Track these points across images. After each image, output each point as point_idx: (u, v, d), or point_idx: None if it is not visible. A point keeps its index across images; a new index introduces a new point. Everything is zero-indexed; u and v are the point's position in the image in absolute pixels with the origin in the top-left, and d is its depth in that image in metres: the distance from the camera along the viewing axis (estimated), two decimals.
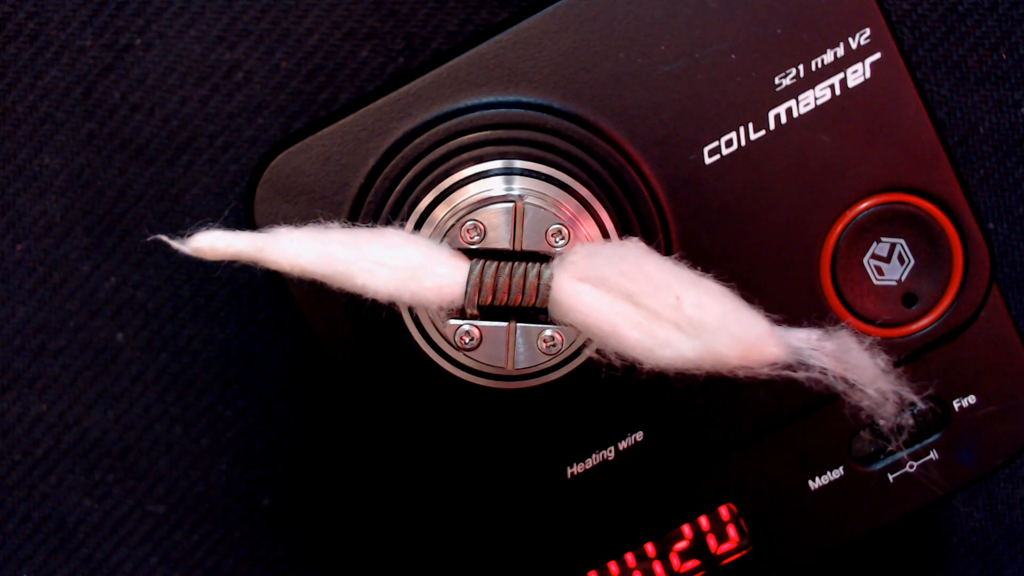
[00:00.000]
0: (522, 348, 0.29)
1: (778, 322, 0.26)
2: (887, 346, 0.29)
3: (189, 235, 0.27)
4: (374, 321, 0.31)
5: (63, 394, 0.39)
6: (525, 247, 0.29)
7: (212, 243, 0.26)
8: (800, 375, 0.25)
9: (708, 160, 0.31)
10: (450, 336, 0.29)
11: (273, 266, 0.27)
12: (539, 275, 0.28)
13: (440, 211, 0.31)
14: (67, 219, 0.39)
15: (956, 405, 0.33)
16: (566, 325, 0.29)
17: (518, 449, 0.33)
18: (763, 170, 0.32)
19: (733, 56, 0.31)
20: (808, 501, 0.34)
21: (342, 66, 0.39)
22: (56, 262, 0.39)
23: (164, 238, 0.27)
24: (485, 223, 0.29)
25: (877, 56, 0.31)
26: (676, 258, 0.29)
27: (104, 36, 0.38)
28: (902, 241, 0.32)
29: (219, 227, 0.27)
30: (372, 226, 0.29)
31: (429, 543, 0.34)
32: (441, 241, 0.29)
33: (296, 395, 0.40)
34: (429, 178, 0.31)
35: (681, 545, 0.34)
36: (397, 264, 0.27)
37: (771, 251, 0.32)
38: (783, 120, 0.31)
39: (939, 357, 0.33)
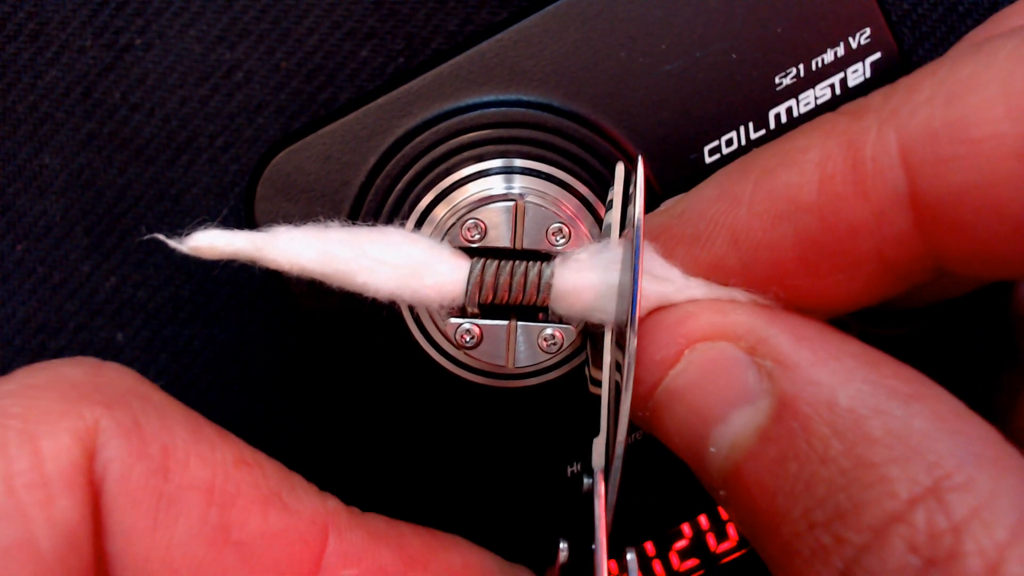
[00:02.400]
0: (523, 347, 0.29)
1: None
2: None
3: (187, 234, 0.26)
4: (375, 320, 0.31)
5: None
6: (526, 245, 0.29)
7: (211, 242, 0.26)
8: None
9: (709, 159, 0.31)
10: (451, 334, 0.29)
11: (272, 265, 0.27)
12: (540, 274, 0.28)
13: (441, 210, 0.31)
14: (67, 219, 0.39)
15: None
16: (567, 323, 0.29)
17: (518, 447, 0.33)
18: None
19: (734, 55, 0.31)
20: None
21: (342, 66, 0.39)
22: (56, 262, 0.39)
23: (161, 237, 0.27)
24: (486, 221, 0.29)
25: (877, 56, 0.31)
26: None
27: (104, 36, 0.38)
28: None
29: (217, 226, 0.27)
30: (373, 225, 0.29)
31: None
32: (442, 240, 0.29)
33: (296, 395, 0.40)
34: (430, 176, 0.31)
35: (681, 544, 0.34)
36: (398, 262, 0.27)
37: None
38: (783, 120, 0.32)
39: None
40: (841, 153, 0.24)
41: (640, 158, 0.27)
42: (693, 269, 0.26)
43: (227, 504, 0.26)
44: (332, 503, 0.28)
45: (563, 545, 0.29)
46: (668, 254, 0.27)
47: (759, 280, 0.25)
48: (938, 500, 0.21)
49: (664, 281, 0.26)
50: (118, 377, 0.27)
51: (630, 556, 0.28)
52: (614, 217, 0.28)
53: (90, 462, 0.25)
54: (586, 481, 0.27)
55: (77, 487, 0.24)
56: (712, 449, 0.24)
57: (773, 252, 0.25)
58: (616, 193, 0.28)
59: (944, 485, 0.21)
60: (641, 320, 0.26)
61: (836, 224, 0.24)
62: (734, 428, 0.24)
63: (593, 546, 0.26)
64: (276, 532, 0.26)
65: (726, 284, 0.26)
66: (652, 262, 0.27)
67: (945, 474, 0.21)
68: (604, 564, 0.26)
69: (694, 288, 0.26)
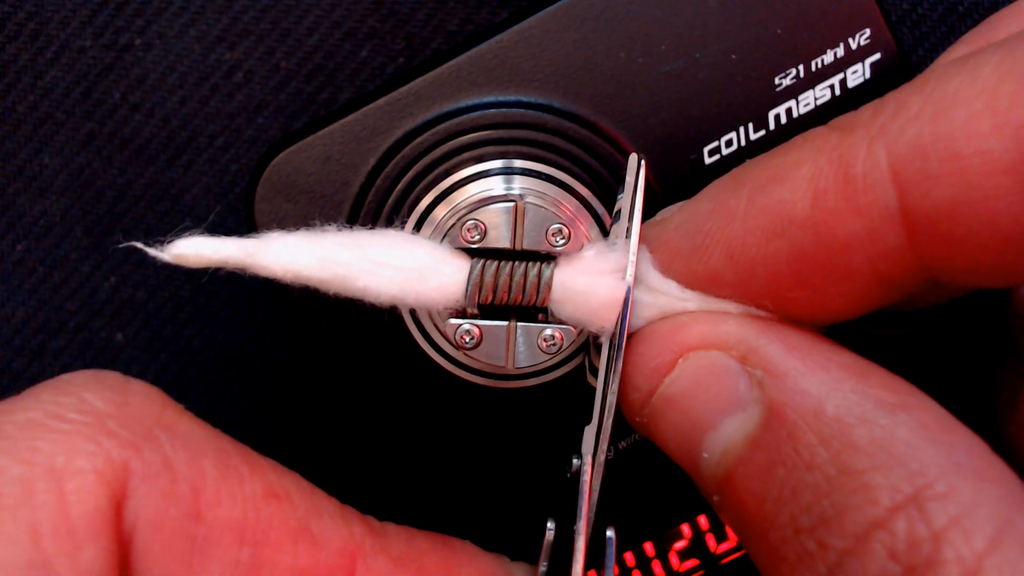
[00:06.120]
0: (522, 347, 0.29)
1: None
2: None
3: (169, 241, 0.25)
4: (375, 320, 0.31)
5: None
6: (526, 246, 0.29)
7: (197, 249, 0.25)
8: None
9: (708, 160, 0.31)
10: (450, 335, 0.29)
11: (265, 272, 0.26)
12: (539, 274, 0.28)
13: (440, 210, 0.31)
14: (67, 219, 0.39)
15: None
16: (567, 324, 0.29)
17: (518, 448, 0.33)
18: None
19: (733, 56, 0.31)
20: None
21: (342, 66, 0.39)
22: (56, 262, 0.39)
23: (139, 245, 0.25)
24: (486, 222, 0.29)
25: (877, 56, 0.31)
26: None
27: (104, 36, 0.38)
28: None
29: (202, 231, 0.25)
30: (372, 227, 0.29)
31: None
32: (442, 240, 0.29)
33: (296, 395, 0.40)
34: (430, 177, 0.31)
35: (680, 544, 0.34)
36: (401, 264, 0.27)
37: None
38: (783, 120, 0.31)
39: None
40: (832, 169, 0.24)
41: (643, 164, 0.27)
42: (690, 282, 0.27)
43: (258, 542, 0.25)
44: (358, 528, 0.27)
45: (550, 525, 0.29)
46: (665, 267, 0.27)
47: (755, 293, 0.26)
48: (919, 508, 0.21)
49: (660, 294, 0.27)
50: (144, 405, 0.26)
51: (609, 533, 0.29)
52: (624, 211, 0.28)
53: (118, 508, 0.24)
54: (574, 463, 0.27)
55: (103, 535, 0.23)
56: (705, 455, 0.25)
57: (768, 266, 0.25)
58: (627, 187, 0.28)
59: (925, 494, 0.21)
60: (637, 330, 0.27)
61: (829, 239, 0.24)
62: (725, 435, 0.25)
63: (575, 526, 0.27)
64: (306, 568, 0.26)
65: (722, 297, 0.26)
66: (649, 274, 0.27)
67: (927, 483, 0.21)
68: (583, 545, 0.27)
69: (689, 301, 0.27)
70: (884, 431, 0.22)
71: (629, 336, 0.27)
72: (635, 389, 0.26)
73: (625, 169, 0.30)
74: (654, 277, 0.27)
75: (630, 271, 0.27)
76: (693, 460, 0.25)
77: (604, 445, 0.27)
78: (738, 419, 0.24)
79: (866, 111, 0.25)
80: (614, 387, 0.27)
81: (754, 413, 0.24)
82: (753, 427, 0.24)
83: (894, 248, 0.24)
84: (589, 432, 0.27)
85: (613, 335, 0.27)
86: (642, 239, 0.28)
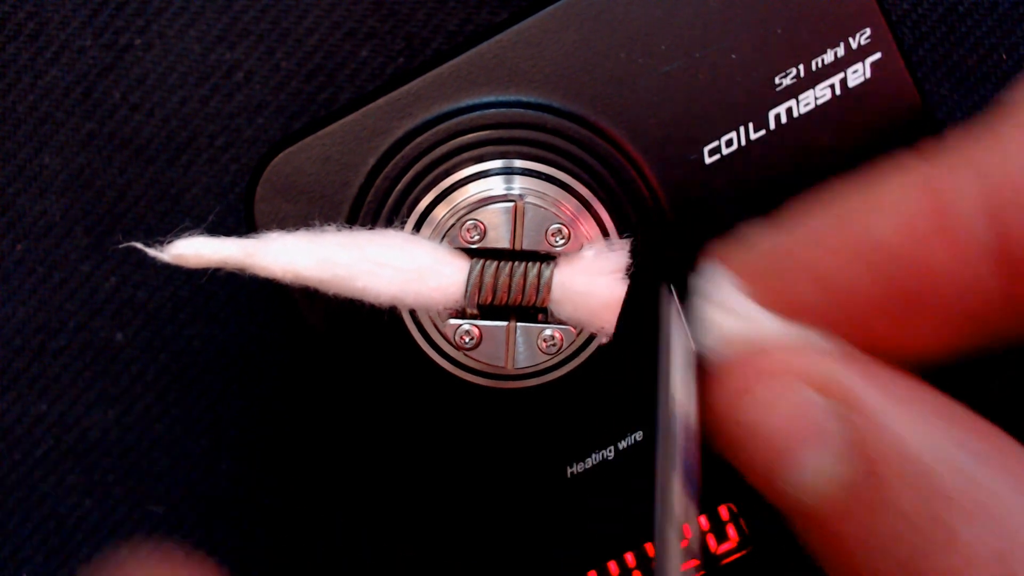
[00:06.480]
0: (522, 348, 0.29)
1: None
2: None
3: (169, 241, 0.25)
4: (374, 320, 0.31)
5: (63, 394, 0.39)
6: (525, 246, 0.29)
7: (197, 250, 0.25)
8: None
9: (708, 160, 0.31)
10: (450, 335, 0.29)
11: (264, 272, 0.26)
12: (539, 275, 0.28)
13: (440, 211, 0.31)
14: (67, 219, 0.39)
15: None
16: (566, 324, 0.29)
17: (518, 449, 0.33)
18: (763, 170, 0.32)
19: (733, 56, 0.31)
20: None
21: (342, 66, 0.39)
22: (56, 262, 0.39)
23: (139, 245, 0.25)
24: (485, 222, 0.29)
25: (877, 56, 0.31)
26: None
27: (104, 36, 0.38)
28: None
29: (202, 232, 0.26)
30: (371, 227, 0.29)
31: (429, 543, 0.34)
32: (441, 241, 0.29)
33: (296, 395, 0.40)
34: (429, 177, 0.31)
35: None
36: (401, 265, 0.27)
37: None
38: (783, 120, 0.31)
39: None
40: (926, 201, 0.23)
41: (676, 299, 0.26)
42: (773, 307, 0.26)
43: None
44: None
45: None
46: (749, 291, 0.26)
47: (840, 323, 0.25)
48: (1007, 569, 0.20)
49: (742, 317, 0.26)
50: None
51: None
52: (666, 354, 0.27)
53: None
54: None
55: None
56: (785, 487, 0.24)
57: (854, 296, 0.24)
58: (666, 325, 0.27)
59: (1018, 555, 0.20)
60: (715, 352, 0.26)
61: (919, 272, 0.23)
62: (806, 469, 0.24)
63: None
64: None
65: (805, 324, 0.25)
66: (732, 297, 0.26)
67: (1021, 543, 0.21)
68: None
69: (771, 327, 0.26)
70: (975, 482, 0.21)
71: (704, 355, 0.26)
72: (712, 413, 0.25)
73: (625, 170, 0.30)
74: (737, 300, 0.26)
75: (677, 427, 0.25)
76: (773, 489, 0.24)
77: (676, 542, 0.25)
78: (819, 454, 0.23)
79: (955, 139, 0.24)
80: (676, 485, 0.25)
81: (835, 448, 0.23)
82: (835, 462, 0.23)
83: (987, 285, 0.23)
84: (662, 529, 0.26)
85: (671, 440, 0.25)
86: (725, 261, 0.27)
